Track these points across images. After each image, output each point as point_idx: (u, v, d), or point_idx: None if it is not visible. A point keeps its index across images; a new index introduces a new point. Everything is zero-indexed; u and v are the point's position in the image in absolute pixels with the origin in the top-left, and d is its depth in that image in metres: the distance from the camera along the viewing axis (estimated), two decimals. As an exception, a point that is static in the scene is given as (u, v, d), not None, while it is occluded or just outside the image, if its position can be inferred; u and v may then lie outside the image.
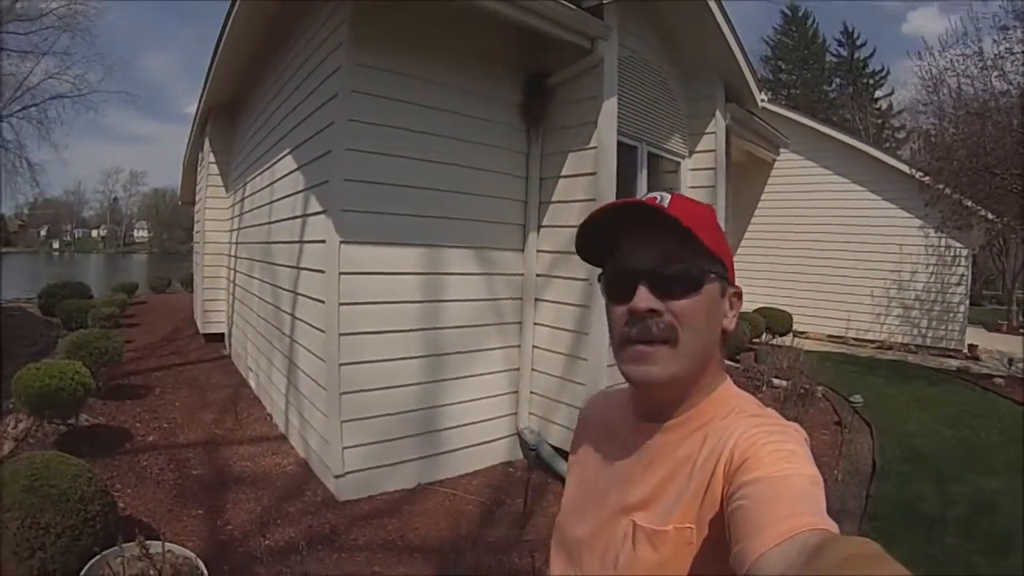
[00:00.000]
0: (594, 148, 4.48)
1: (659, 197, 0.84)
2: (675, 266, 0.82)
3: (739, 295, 0.90)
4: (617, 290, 0.86)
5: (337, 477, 4.02)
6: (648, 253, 0.83)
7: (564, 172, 4.73)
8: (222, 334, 8.72)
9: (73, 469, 2.93)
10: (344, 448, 4.01)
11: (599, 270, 0.90)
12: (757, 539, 0.62)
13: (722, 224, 6.16)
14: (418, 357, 4.35)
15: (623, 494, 0.89)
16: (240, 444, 5.00)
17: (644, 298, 0.81)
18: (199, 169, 9.95)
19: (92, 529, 2.81)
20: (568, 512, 1.02)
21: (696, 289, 0.83)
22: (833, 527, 0.62)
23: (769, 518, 0.63)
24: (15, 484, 2.74)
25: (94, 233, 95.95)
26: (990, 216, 9.27)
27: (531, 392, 4.94)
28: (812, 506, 0.65)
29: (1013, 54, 8.35)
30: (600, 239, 0.89)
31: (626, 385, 0.92)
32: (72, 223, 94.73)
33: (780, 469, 0.69)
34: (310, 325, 4.43)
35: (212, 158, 8.84)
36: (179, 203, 16.53)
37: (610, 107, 4.51)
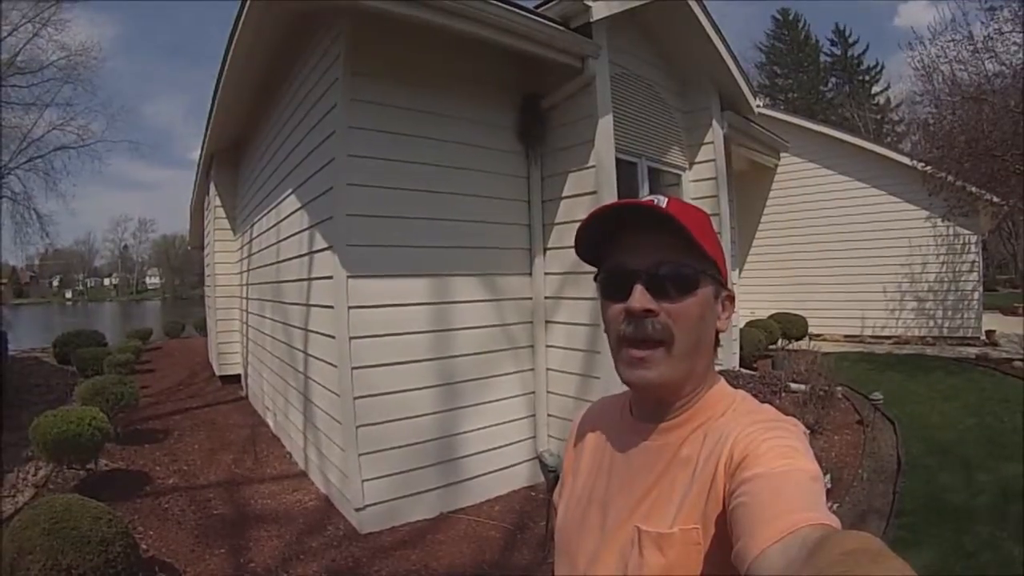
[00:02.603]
0: (593, 167, 4.51)
1: (656, 200, 0.84)
2: (671, 267, 0.83)
3: (731, 298, 0.91)
4: (613, 289, 0.87)
5: (358, 510, 4.01)
6: (645, 253, 0.84)
7: (565, 193, 4.76)
8: (238, 375, 8.78)
9: (93, 511, 2.96)
10: (363, 481, 4.01)
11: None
12: (758, 536, 0.62)
13: (728, 233, 6.15)
14: (432, 387, 4.35)
15: (625, 499, 0.88)
16: (260, 483, 5.00)
17: (640, 298, 0.82)
18: (206, 213, 10.06)
19: (114, 570, 2.83)
20: (568, 521, 0.99)
21: (691, 290, 0.84)
22: (834, 522, 0.62)
23: (769, 514, 0.63)
24: (36, 527, 2.76)
25: (106, 281, 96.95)
26: (995, 200, 9.20)
27: (548, 414, 4.92)
28: (812, 501, 0.65)
29: (1002, 34, 8.33)
30: (598, 239, 0.90)
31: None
32: (83, 272, 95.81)
33: (780, 465, 0.70)
34: (323, 360, 4.46)
35: (218, 201, 8.96)
36: (188, 248, 16.67)
37: (606, 125, 4.55)
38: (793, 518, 0.61)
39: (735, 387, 0.92)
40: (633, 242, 0.86)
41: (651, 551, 0.80)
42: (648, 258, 0.84)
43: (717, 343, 0.91)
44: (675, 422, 0.88)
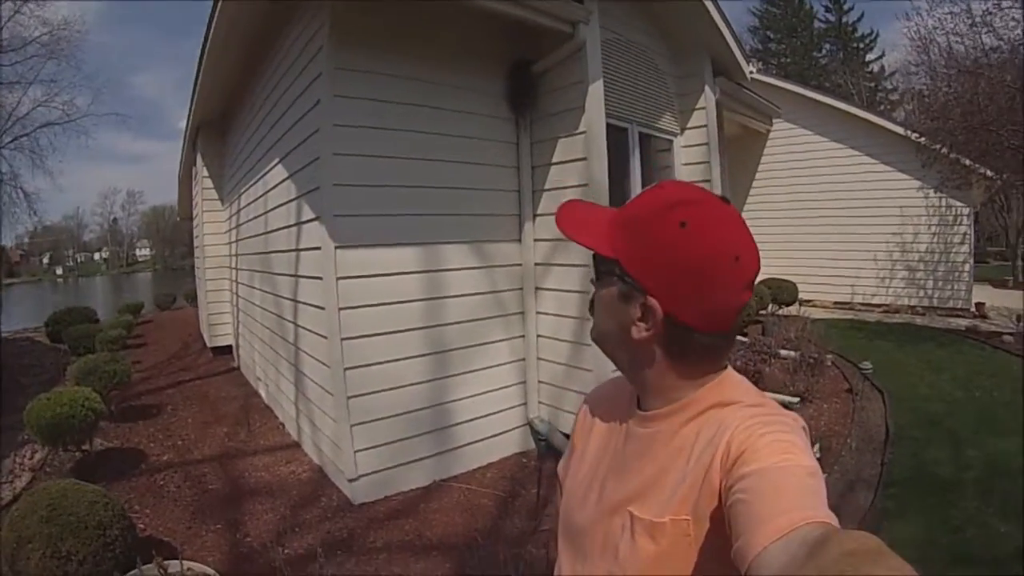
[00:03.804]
0: (583, 133, 4.46)
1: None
2: (595, 261, 0.91)
3: (651, 307, 0.81)
4: None
5: (351, 481, 4.03)
6: None
7: (555, 159, 4.71)
8: (229, 346, 8.74)
9: (90, 496, 2.97)
10: (356, 451, 4.02)
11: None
12: (758, 534, 0.62)
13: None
14: (423, 355, 4.35)
15: (619, 483, 0.89)
16: (254, 455, 5.02)
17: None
18: (194, 184, 9.95)
19: (112, 553, 2.85)
20: (571, 498, 1.01)
21: (600, 283, 0.91)
22: (833, 520, 0.62)
23: (769, 512, 0.63)
24: (34, 515, 2.78)
25: (96, 256, 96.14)
26: (989, 173, 9.18)
27: (539, 381, 4.94)
28: (812, 498, 0.65)
29: (1001, 9, 8.25)
30: None
31: None
32: (73, 248, 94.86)
33: (779, 461, 0.69)
34: (313, 332, 4.44)
35: (205, 172, 8.86)
36: (178, 219, 16.50)
37: (596, 90, 4.49)
38: (793, 516, 0.61)
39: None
40: None
41: (643, 538, 0.80)
42: None
43: (643, 349, 0.85)
44: (666, 411, 0.87)
